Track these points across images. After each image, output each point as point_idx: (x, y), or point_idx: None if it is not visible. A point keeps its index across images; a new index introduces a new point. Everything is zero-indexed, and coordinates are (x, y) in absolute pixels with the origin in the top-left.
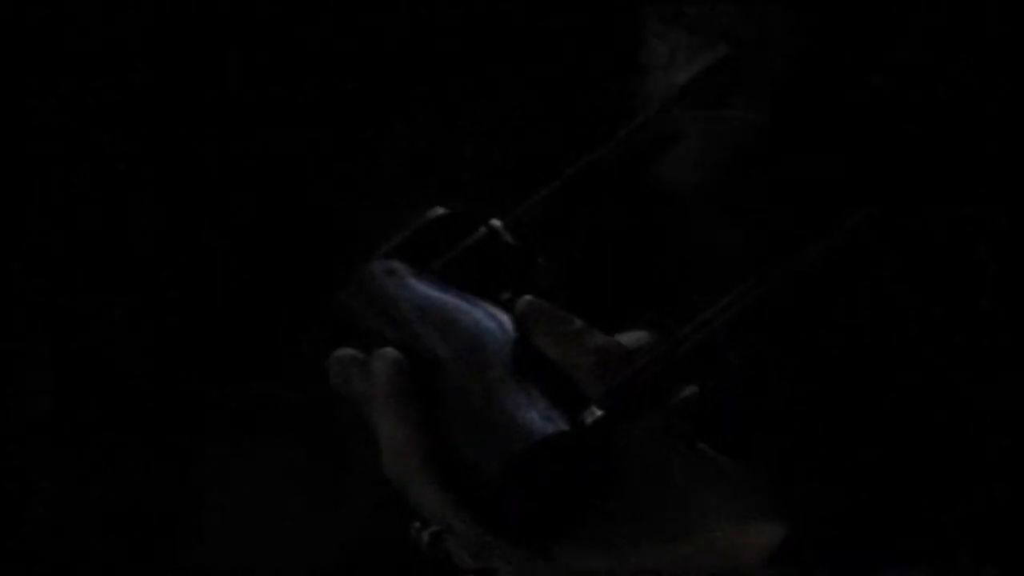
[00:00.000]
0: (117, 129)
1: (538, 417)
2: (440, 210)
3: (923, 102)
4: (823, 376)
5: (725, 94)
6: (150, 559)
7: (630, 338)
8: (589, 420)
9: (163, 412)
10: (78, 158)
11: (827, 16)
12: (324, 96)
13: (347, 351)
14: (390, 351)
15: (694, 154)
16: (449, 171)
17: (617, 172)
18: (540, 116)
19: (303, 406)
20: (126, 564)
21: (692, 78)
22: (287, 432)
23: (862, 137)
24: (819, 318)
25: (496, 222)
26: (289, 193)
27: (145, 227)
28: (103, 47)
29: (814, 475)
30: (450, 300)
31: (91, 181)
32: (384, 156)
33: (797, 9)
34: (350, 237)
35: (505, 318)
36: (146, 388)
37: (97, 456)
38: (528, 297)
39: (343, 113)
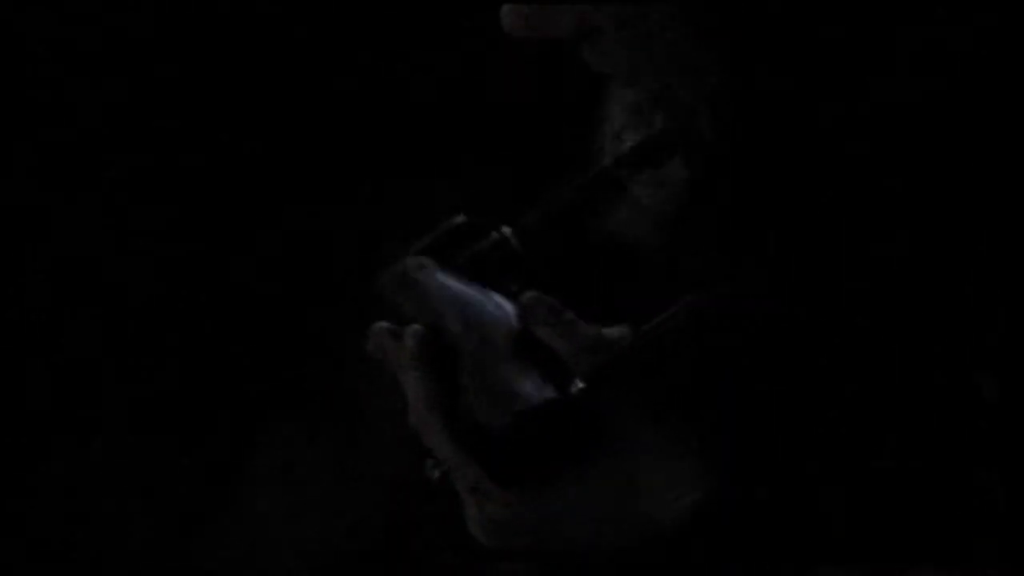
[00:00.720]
0: (152, 132)
1: (533, 387)
2: (461, 217)
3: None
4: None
5: (664, 156)
6: (199, 531)
7: (611, 331)
8: (574, 391)
9: (210, 401)
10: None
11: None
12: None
13: (383, 324)
14: (418, 327)
15: (644, 212)
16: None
17: (581, 208)
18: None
19: (332, 394)
20: (177, 535)
21: (634, 146)
22: (318, 417)
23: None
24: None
25: (506, 229)
26: (314, 209)
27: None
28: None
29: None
30: (468, 291)
31: (135, 173)
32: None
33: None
34: (369, 247)
35: (510, 307)
36: (194, 379)
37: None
38: (532, 293)
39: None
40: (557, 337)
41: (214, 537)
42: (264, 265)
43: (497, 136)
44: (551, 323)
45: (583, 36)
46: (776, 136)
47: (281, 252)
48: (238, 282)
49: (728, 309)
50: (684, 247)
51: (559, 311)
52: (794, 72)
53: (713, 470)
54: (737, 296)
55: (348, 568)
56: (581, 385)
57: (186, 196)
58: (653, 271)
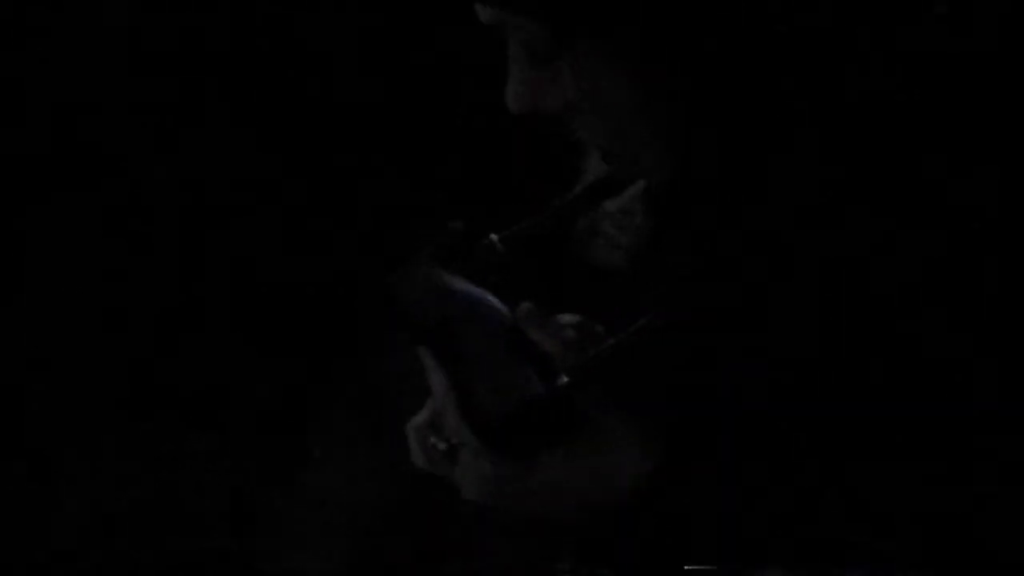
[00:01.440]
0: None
1: (525, 380)
2: (459, 225)
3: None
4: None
5: (610, 195)
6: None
7: (567, 318)
8: (560, 384)
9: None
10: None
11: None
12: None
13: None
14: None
15: (613, 246)
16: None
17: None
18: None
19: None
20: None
21: (587, 186)
22: (367, 408)
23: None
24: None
25: (493, 236)
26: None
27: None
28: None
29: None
30: (467, 290)
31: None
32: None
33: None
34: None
35: (501, 305)
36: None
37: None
38: (527, 304)
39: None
40: (546, 340)
41: (275, 508)
42: (327, 275)
43: (505, 174)
44: (542, 328)
45: (567, 112)
46: (711, 185)
47: (344, 264)
48: (304, 289)
49: (683, 322)
50: (643, 272)
51: (550, 319)
52: (728, 140)
53: (660, 450)
54: (689, 310)
55: (385, 534)
56: (566, 379)
57: (258, 204)
58: (619, 291)
